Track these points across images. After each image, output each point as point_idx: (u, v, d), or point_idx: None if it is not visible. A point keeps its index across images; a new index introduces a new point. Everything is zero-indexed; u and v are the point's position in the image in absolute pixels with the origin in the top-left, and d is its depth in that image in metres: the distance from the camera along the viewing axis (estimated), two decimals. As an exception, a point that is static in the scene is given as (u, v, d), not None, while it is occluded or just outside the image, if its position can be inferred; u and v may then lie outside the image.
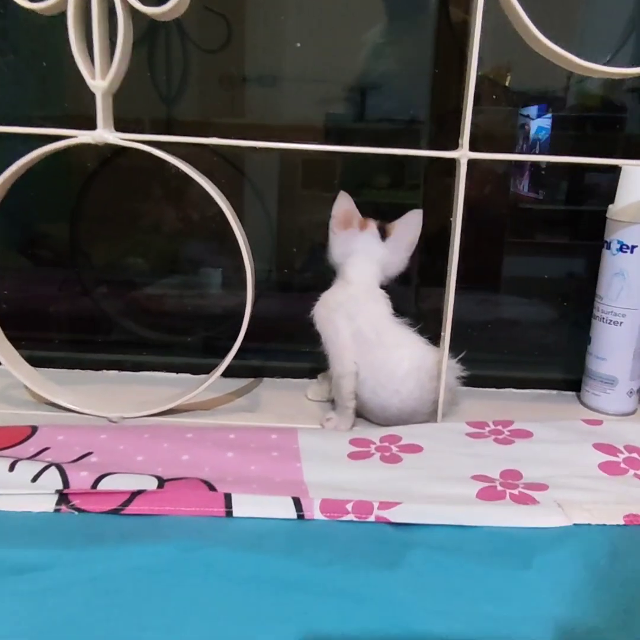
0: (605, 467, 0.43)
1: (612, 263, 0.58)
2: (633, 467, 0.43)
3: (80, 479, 0.40)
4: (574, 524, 0.37)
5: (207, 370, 0.57)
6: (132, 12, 0.48)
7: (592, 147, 0.65)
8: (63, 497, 0.38)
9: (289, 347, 0.68)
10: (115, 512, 0.37)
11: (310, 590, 0.33)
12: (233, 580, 0.33)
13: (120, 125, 0.50)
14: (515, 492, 0.40)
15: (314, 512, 0.37)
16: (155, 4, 0.47)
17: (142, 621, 0.32)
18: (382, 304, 0.54)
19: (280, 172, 0.67)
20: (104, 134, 0.49)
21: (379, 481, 0.42)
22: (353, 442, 0.47)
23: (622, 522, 0.37)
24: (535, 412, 0.60)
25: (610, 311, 0.58)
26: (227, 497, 0.38)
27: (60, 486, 0.39)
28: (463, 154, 0.49)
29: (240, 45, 0.62)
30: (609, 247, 0.58)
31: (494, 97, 0.63)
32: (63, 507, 0.37)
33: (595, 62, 0.47)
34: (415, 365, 0.52)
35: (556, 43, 0.47)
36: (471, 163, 0.49)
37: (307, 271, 0.68)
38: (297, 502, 0.37)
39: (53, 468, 0.41)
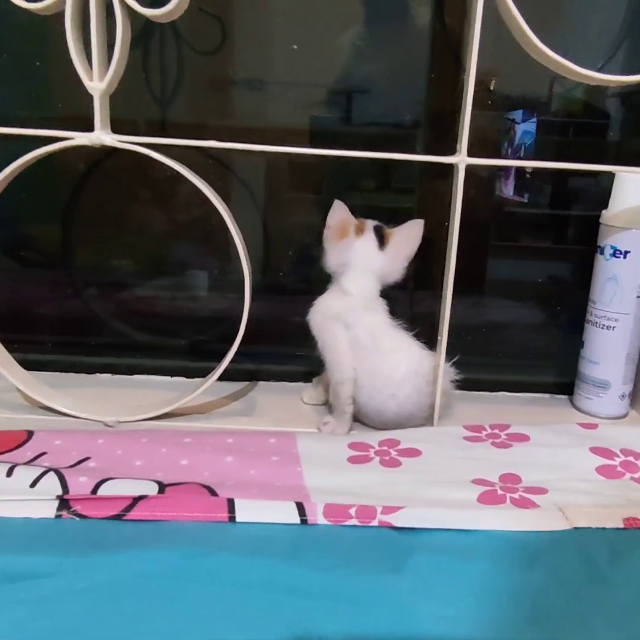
0: (602, 470, 0.44)
1: (605, 268, 0.58)
2: (629, 470, 0.44)
3: (80, 484, 0.40)
4: (575, 528, 0.37)
5: (200, 373, 0.57)
6: (130, 14, 0.48)
7: (577, 152, 0.66)
8: (64, 503, 0.37)
9: (282, 350, 0.68)
10: (117, 517, 0.37)
11: (315, 595, 0.33)
12: (237, 586, 0.33)
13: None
14: (516, 496, 0.40)
15: (318, 516, 0.37)
16: (147, 4, 0.47)
17: (144, 628, 0.32)
18: (379, 313, 0.54)
19: (268, 174, 0.67)
20: (101, 135, 0.49)
21: (380, 485, 0.42)
22: (352, 446, 0.47)
23: (621, 525, 0.37)
24: (529, 416, 0.60)
25: (603, 316, 0.59)
26: (230, 502, 0.38)
27: (59, 492, 0.39)
28: (461, 160, 0.49)
29: (238, 48, 0.62)
30: (602, 253, 0.58)
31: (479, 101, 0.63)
32: (64, 513, 0.37)
33: (587, 68, 0.48)
34: (412, 370, 0.52)
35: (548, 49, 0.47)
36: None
37: (298, 274, 0.68)
38: (300, 507, 0.37)
39: (52, 473, 0.41)
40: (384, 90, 0.64)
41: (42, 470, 0.41)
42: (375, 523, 0.37)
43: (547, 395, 0.66)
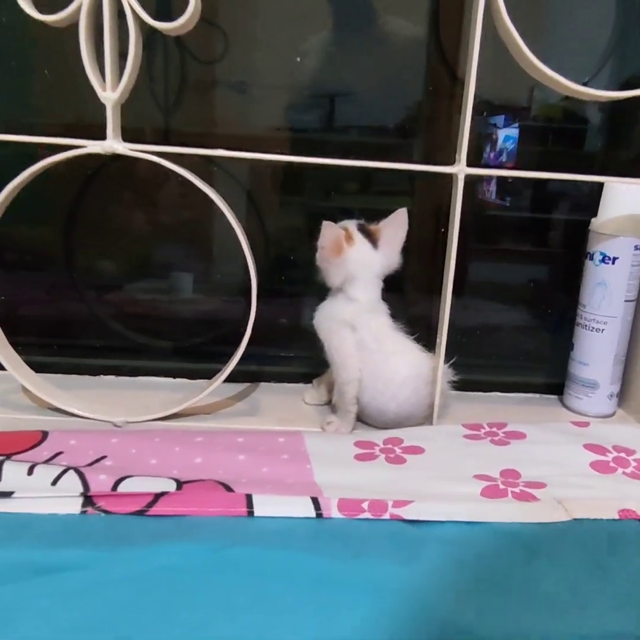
0: (596, 466, 0.46)
1: (595, 273, 0.61)
2: (621, 465, 0.46)
3: (100, 482, 0.41)
4: (574, 519, 0.39)
5: (201, 375, 0.59)
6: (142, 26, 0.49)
7: (559, 157, 0.68)
8: (88, 499, 0.39)
9: (282, 352, 0.70)
10: (140, 513, 0.38)
11: (334, 584, 0.35)
12: (260, 576, 0.35)
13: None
14: (517, 490, 0.42)
15: (332, 510, 0.39)
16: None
17: (173, 618, 0.33)
18: (383, 315, 0.56)
19: (252, 176, 0.68)
20: (114, 144, 0.50)
21: (388, 481, 0.44)
22: (358, 444, 0.49)
23: (617, 517, 0.40)
24: (522, 415, 0.63)
25: (593, 319, 0.61)
26: (248, 498, 0.39)
27: (80, 489, 0.41)
28: (460, 170, 0.52)
29: (243, 56, 0.63)
30: (591, 258, 0.61)
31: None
32: (89, 509, 0.38)
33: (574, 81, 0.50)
34: (412, 373, 0.54)
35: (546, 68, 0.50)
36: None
37: (291, 276, 0.69)
38: (315, 502, 0.39)
39: (71, 471, 0.42)
40: (377, 97, 0.66)
41: (61, 468, 0.43)
42: (386, 516, 0.39)
43: (537, 395, 0.69)
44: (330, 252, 0.53)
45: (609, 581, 0.36)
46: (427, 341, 0.57)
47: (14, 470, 0.42)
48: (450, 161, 0.52)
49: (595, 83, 0.65)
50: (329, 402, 0.62)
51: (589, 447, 0.49)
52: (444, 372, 0.56)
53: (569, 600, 0.35)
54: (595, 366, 0.62)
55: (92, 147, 0.50)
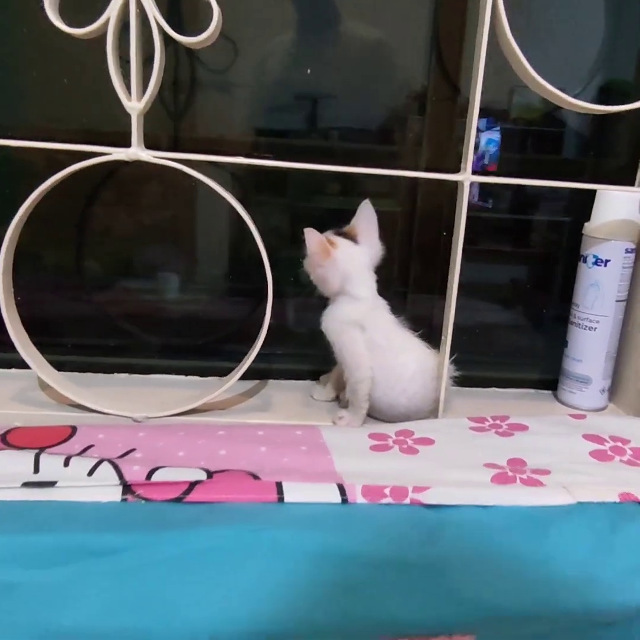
0: (595, 454, 0.50)
1: (588, 275, 0.65)
2: (618, 454, 0.50)
3: (134, 472, 0.44)
4: (578, 502, 0.42)
5: (211, 373, 0.62)
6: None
7: (540, 160, 0.72)
8: (127, 488, 0.41)
9: (290, 350, 0.73)
10: (177, 500, 0.41)
11: (364, 563, 0.38)
12: (294, 557, 0.38)
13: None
14: (524, 476, 0.46)
15: (357, 496, 0.42)
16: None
17: (215, 595, 0.36)
18: (386, 312, 0.59)
19: (234, 178, 0.69)
20: (138, 151, 0.53)
21: (404, 470, 0.47)
22: (371, 436, 0.52)
23: (617, 500, 0.43)
24: (518, 409, 0.66)
25: (586, 318, 0.65)
26: (279, 485, 0.42)
27: (116, 479, 0.43)
28: (466, 177, 0.55)
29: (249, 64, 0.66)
30: (585, 261, 0.65)
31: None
32: (129, 497, 0.41)
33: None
34: (420, 368, 0.57)
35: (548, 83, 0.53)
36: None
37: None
38: (340, 488, 0.42)
39: (106, 463, 0.45)
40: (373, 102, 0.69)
41: (95, 460, 0.45)
42: (407, 501, 0.42)
43: (533, 391, 0.73)
44: (320, 255, 0.56)
45: (612, 557, 0.40)
46: (426, 340, 0.61)
47: (51, 462, 0.44)
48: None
49: (585, 93, 0.69)
50: (336, 398, 0.65)
51: (588, 437, 0.52)
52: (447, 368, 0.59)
53: (577, 575, 0.39)
54: (588, 362, 0.66)
55: (117, 154, 0.53)
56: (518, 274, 0.76)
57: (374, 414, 0.60)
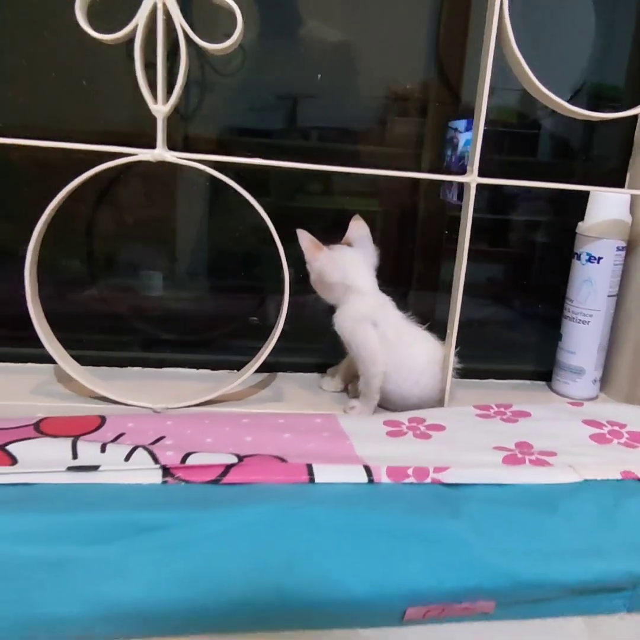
0: (595, 438, 0.54)
1: (582, 271, 0.68)
2: (616, 437, 0.54)
3: (168, 457, 0.46)
4: (584, 480, 0.46)
5: (220, 366, 0.67)
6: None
7: (518, 161, 0.75)
8: (166, 471, 0.44)
9: (297, 345, 0.75)
10: (215, 482, 0.43)
11: (394, 536, 0.41)
12: (330, 530, 0.41)
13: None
14: (533, 458, 0.49)
15: (382, 476, 0.45)
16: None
17: (259, 565, 0.39)
18: (392, 307, 0.63)
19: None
20: (163, 152, 0.55)
21: (420, 453, 0.50)
22: (386, 423, 0.55)
23: (619, 477, 0.47)
24: (516, 399, 0.69)
25: (580, 312, 0.69)
26: (309, 467, 0.45)
27: (153, 464, 0.45)
28: (473, 179, 0.58)
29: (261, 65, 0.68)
30: (578, 258, 0.69)
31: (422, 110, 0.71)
32: (169, 479, 0.43)
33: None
34: (430, 359, 0.61)
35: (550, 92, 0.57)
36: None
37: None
38: (367, 469, 0.45)
39: (140, 449, 0.47)
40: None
41: (130, 446, 0.47)
42: (428, 480, 0.45)
43: (528, 382, 0.76)
44: (312, 250, 0.60)
45: (617, 530, 0.43)
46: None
47: (88, 449, 0.47)
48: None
49: (575, 98, 0.72)
50: (345, 390, 0.68)
51: (587, 422, 0.56)
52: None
53: (585, 547, 0.42)
54: (581, 354, 0.70)
55: (143, 155, 0.55)
56: (503, 272, 0.79)
57: (385, 405, 0.63)
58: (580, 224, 0.69)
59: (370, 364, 0.59)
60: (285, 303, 0.60)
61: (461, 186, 0.72)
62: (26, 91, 0.64)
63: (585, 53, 0.72)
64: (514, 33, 0.55)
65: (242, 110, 0.70)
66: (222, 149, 0.66)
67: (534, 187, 0.60)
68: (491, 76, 0.56)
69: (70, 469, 0.43)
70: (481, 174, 0.58)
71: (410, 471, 0.45)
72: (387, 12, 0.67)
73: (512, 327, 0.80)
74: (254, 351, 0.63)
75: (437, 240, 0.75)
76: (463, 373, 0.67)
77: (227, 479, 0.44)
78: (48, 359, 0.65)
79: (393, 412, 0.62)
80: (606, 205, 0.67)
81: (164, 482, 0.43)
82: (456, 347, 0.64)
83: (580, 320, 0.69)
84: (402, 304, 0.73)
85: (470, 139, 0.71)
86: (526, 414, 0.58)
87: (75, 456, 0.46)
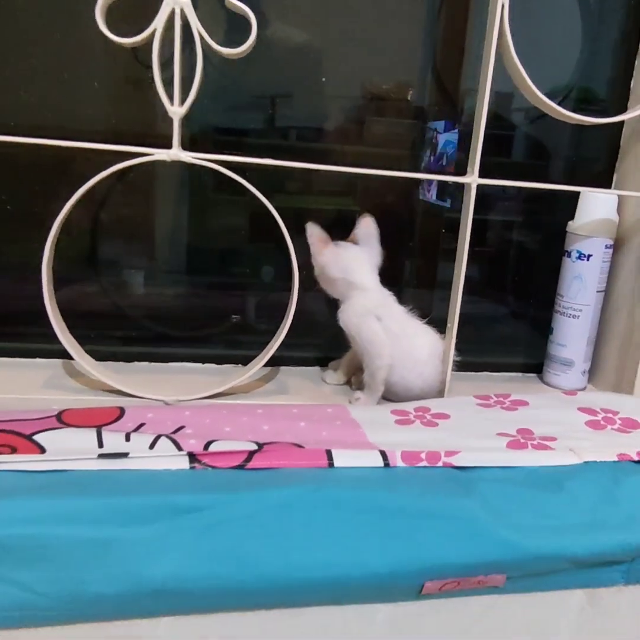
0: (590, 424, 0.57)
1: (572, 268, 0.72)
2: (610, 423, 0.57)
3: (191, 445, 0.48)
4: (585, 462, 0.49)
5: (223, 360, 0.70)
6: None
7: (497, 162, 0.78)
8: (193, 457, 0.46)
9: (298, 340, 0.77)
10: (240, 467, 0.45)
11: (412, 515, 0.43)
12: (351, 510, 0.43)
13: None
14: (535, 442, 0.52)
15: (397, 460, 0.47)
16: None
17: (287, 544, 0.42)
18: (394, 302, 0.65)
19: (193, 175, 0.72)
20: (179, 153, 0.57)
21: (428, 439, 0.52)
22: (393, 412, 0.58)
23: (616, 459, 0.50)
24: (510, 390, 0.73)
25: (570, 307, 0.73)
26: (328, 452, 0.47)
27: (177, 451, 0.47)
28: (473, 180, 0.61)
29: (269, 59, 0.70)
30: (569, 256, 0.72)
31: (398, 111, 0.73)
32: (196, 465, 0.45)
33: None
34: (432, 352, 0.64)
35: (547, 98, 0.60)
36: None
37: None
38: (383, 454, 0.47)
39: (164, 438, 0.49)
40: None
41: (153, 435, 0.49)
42: (440, 464, 0.48)
43: (520, 374, 0.80)
44: (319, 244, 0.63)
45: (616, 506, 0.47)
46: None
47: (113, 438, 0.48)
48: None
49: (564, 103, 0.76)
50: (347, 382, 0.71)
51: (582, 409, 0.59)
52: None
53: (589, 522, 0.46)
54: (571, 347, 0.74)
55: (159, 155, 0.57)
56: (493, 270, 0.83)
57: (389, 397, 0.66)
58: (570, 223, 0.72)
59: (376, 357, 0.62)
60: (293, 299, 0.62)
61: (441, 186, 0.76)
62: (38, 92, 0.65)
63: (572, 59, 0.75)
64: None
65: (242, 110, 0.72)
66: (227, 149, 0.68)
67: (528, 188, 0.63)
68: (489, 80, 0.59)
69: (101, 456, 0.45)
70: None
71: (423, 455, 0.48)
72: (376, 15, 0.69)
73: (505, 322, 0.83)
74: (254, 345, 0.65)
75: (424, 239, 0.78)
76: (459, 367, 0.70)
77: (252, 464, 0.46)
78: (55, 354, 0.67)
79: (396, 402, 0.65)
80: (595, 205, 0.70)
81: (192, 468, 0.45)
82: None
83: (570, 314, 0.73)
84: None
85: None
86: (524, 403, 0.61)
87: (101, 445, 0.48)
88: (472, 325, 0.80)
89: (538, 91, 0.59)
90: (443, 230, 0.77)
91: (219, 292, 0.78)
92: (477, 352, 0.80)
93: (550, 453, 0.50)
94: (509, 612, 0.46)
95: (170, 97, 0.56)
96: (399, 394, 0.64)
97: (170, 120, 0.56)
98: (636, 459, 0.50)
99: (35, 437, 0.48)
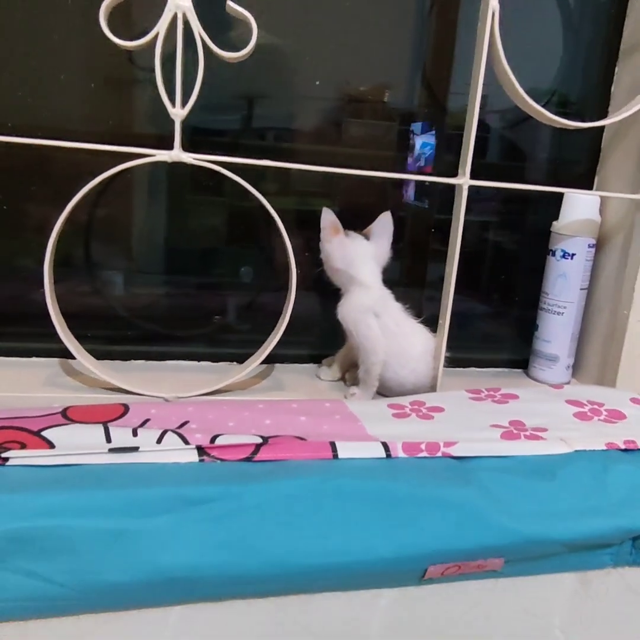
0: (578, 415, 0.59)
1: (557, 267, 0.75)
2: (596, 414, 0.60)
3: (198, 439, 0.49)
4: (575, 451, 0.52)
5: (217, 358, 0.71)
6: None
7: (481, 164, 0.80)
8: (202, 451, 0.47)
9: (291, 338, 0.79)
10: (248, 460, 0.47)
11: (414, 503, 0.45)
12: (357, 499, 0.45)
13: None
14: (527, 433, 0.54)
15: (398, 451, 0.49)
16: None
17: (297, 533, 0.43)
18: (392, 299, 0.67)
19: (170, 176, 0.73)
20: (180, 154, 0.58)
21: (426, 431, 0.54)
22: (390, 406, 0.60)
23: (605, 448, 0.52)
24: (498, 384, 0.75)
25: (555, 304, 0.75)
26: (332, 444, 0.49)
27: (185, 445, 0.49)
28: (465, 181, 0.63)
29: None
30: (554, 255, 0.75)
31: (374, 112, 0.74)
32: (205, 458, 0.46)
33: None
34: (425, 349, 0.66)
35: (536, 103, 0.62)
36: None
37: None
38: (384, 445, 0.49)
39: (170, 433, 0.50)
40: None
41: (159, 430, 0.50)
42: (439, 454, 0.50)
43: (506, 369, 0.82)
44: (329, 232, 0.64)
45: (606, 492, 0.49)
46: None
47: (121, 433, 0.49)
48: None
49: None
50: (341, 379, 0.73)
51: (570, 402, 0.62)
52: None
53: (582, 507, 0.48)
54: (556, 343, 0.76)
55: (160, 156, 0.58)
56: (480, 269, 0.85)
57: (382, 392, 0.68)
58: (554, 223, 0.75)
59: (371, 353, 0.64)
60: (291, 297, 0.64)
61: (418, 186, 0.78)
62: (38, 92, 0.66)
63: (554, 63, 0.78)
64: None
65: (235, 111, 0.73)
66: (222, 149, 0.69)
67: (516, 189, 0.65)
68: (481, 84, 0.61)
69: (112, 450, 0.46)
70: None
71: (423, 446, 0.50)
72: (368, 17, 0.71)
73: (491, 319, 0.86)
74: (255, 343, 0.67)
75: (412, 240, 0.81)
76: (447, 363, 0.72)
77: (259, 456, 0.47)
78: (53, 354, 0.67)
79: (389, 397, 0.67)
80: (578, 206, 0.73)
81: (201, 461, 0.46)
82: (444, 338, 0.69)
83: (555, 311, 0.75)
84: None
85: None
86: (514, 397, 0.63)
87: (109, 440, 0.49)
88: (459, 322, 0.83)
89: (528, 97, 0.61)
90: (432, 230, 0.80)
91: (208, 291, 0.79)
92: (465, 348, 0.82)
93: (543, 443, 0.52)
94: (506, 595, 0.48)
95: (172, 100, 0.57)
96: (392, 390, 0.66)
97: (171, 122, 0.57)
98: (623, 447, 0.53)
99: (44, 433, 0.48)
